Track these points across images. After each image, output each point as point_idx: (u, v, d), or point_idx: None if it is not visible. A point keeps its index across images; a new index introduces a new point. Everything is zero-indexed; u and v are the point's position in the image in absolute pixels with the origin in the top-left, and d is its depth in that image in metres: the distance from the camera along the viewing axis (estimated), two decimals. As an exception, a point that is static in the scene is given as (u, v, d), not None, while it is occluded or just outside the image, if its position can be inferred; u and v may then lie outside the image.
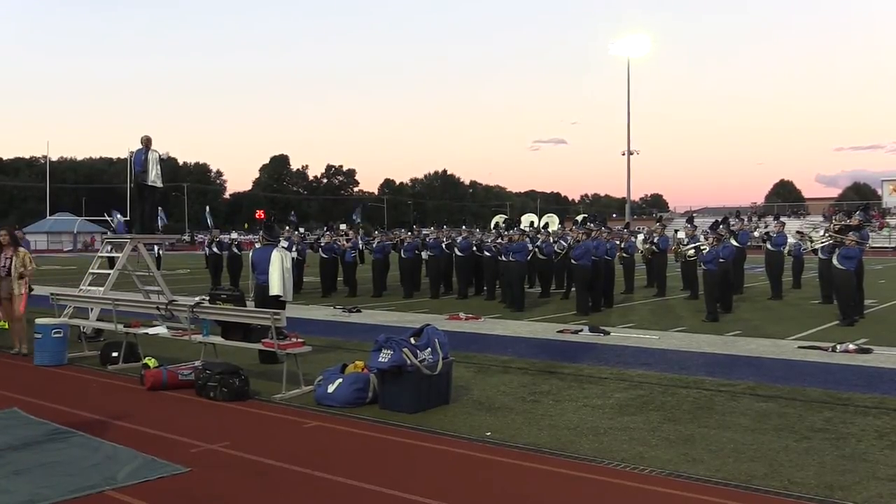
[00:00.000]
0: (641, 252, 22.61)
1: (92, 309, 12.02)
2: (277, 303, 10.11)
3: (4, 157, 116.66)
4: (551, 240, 20.78)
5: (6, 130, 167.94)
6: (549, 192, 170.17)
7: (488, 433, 6.82)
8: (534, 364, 10.32)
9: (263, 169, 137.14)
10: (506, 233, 19.11)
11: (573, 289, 18.37)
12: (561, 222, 27.96)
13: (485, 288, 20.42)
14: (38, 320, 10.68)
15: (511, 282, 17.58)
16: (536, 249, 19.99)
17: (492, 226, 25.34)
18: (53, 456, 6.06)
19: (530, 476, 5.67)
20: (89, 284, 13.03)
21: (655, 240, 21.72)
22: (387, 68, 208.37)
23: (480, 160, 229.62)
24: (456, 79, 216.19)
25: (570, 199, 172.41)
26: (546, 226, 24.49)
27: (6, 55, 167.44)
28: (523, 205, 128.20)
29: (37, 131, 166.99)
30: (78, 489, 5.24)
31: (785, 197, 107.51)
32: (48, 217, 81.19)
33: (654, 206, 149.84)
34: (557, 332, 13.33)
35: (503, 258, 17.92)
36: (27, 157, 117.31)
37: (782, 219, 28.40)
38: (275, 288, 10.30)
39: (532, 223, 23.77)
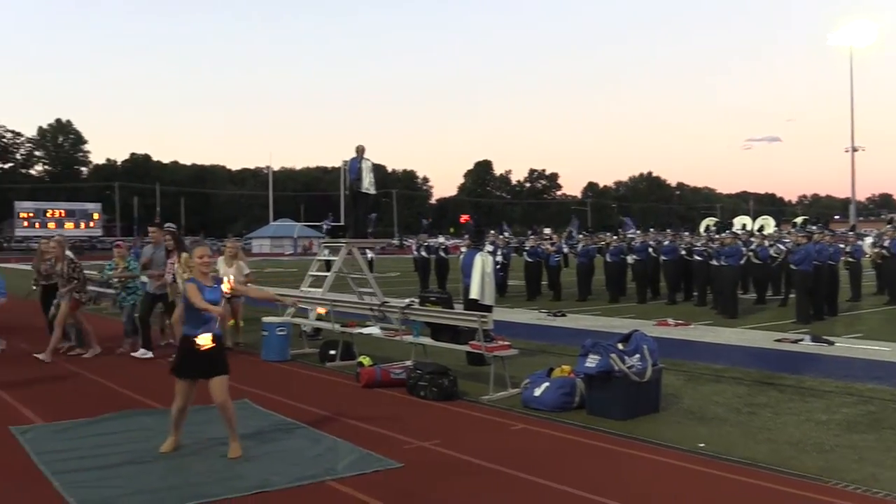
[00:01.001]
0: (870, 256, 21.00)
1: (311, 309, 12.75)
2: (483, 306, 10.25)
3: (233, 169, 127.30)
4: (767, 243, 19.72)
5: (235, 144, 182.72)
6: (762, 192, 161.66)
7: (701, 444, 6.55)
8: (749, 374, 9.81)
9: (468, 174, 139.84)
10: (716, 236, 18.36)
11: (791, 295, 17.32)
12: (777, 224, 26.51)
13: (694, 293, 19.70)
14: (265, 319, 11.48)
15: (723, 287, 16.87)
16: (751, 253, 19.03)
17: (701, 229, 24.47)
18: (280, 445, 6.49)
19: (747, 491, 5.38)
20: (309, 286, 13.83)
21: (886, 243, 19.99)
22: (590, 70, 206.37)
23: (688, 161, 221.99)
24: (662, 78, 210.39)
25: (785, 199, 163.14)
26: (761, 228, 23.33)
27: (235, 74, 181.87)
28: (734, 206, 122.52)
29: (261, 144, 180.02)
30: (302, 477, 5.57)
31: None
32: (271, 223, 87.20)
33: (883, 206, 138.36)
34: (775, 340, 12.60)
35: (714, 262, 17.24)
36: (252, 167, 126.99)
37: None
38: (474, 291, 10.45)
39: (745, 226, 22.71)
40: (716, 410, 7.86)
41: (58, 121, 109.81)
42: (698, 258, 18.83)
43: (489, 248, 19.19)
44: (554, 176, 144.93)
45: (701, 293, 19.16)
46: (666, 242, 20.46)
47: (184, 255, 10.85)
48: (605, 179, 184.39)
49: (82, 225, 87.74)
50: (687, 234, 22.76)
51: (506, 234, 26.50)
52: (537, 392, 7.94)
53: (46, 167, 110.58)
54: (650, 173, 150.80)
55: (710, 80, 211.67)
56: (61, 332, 11.19)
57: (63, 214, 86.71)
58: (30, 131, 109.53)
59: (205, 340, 5.98)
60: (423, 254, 25.26)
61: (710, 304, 18.33)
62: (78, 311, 11.29)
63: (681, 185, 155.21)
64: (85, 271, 11.67)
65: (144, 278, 11.66)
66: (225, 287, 6.19)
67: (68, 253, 11.31)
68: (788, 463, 6.00)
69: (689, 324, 14.83)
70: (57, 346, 11.16)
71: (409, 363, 9.32)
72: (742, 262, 17.87)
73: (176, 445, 6.29)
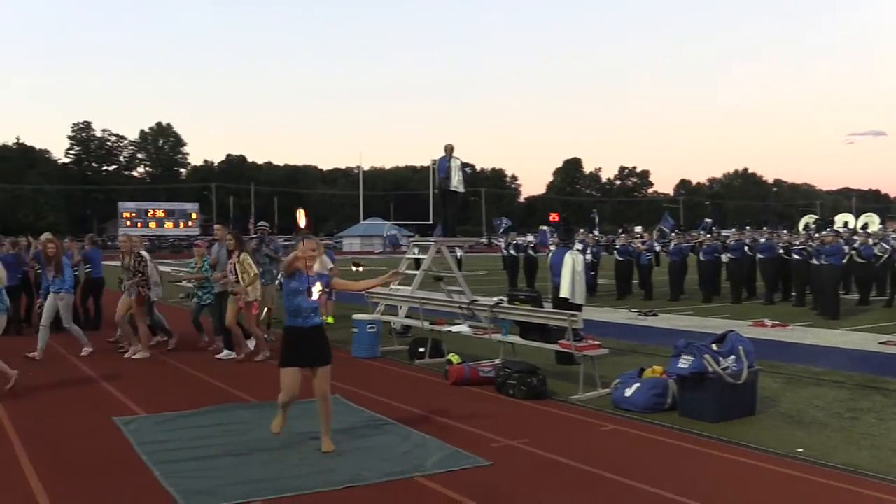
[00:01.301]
0: None
1: (401, 306, 12.89)
2: (573, 305, 10.16)
3: (325, 168, 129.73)
4: (871, 241, 18.93)
5: (326, 144, 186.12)
6: (865, 189, 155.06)
7: (799, 449, 6.34)
8: (851, 377, 9.44)
9: (557, 172, 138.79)
10: (817, 234, 17.73)
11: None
12: (882, 222, 25.45)
13: (793, 293, 19.07)
14: (355, 316, 11.65)
15: (823, 287, 16.30)
16: (853, 252, 18.32)
17: (800, 227, 23.71)
18: (370, 441, 6.58)
19: (848, 499, 5.20)
20: (398, 284, 13.97)
21: None
22: (684, 64, 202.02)
23: (786, 156, 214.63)
24: (759, 70, 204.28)
25: (891, 196, 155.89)
26: (865, 226, 22.42)
27: (325, 76, 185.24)
28: (835, 203, 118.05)
29: (351, 144, 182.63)
30: (391, 473, 5.64)
31: None
32: (361, 222, 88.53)
33: None
34: (880, 343, 12.08)
35: (814, 261, 16.67)
36: (343, 167, 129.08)
37: None
38: (564, 290, 10.37)
39: (846, 223, 21.86)
40: (815, 415, 7.59)
41: (158, 124, 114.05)
42: (797, 257, 18.24)
43: (579, 246, 19.01)
44: (645, 173, 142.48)
45: (800, 293, 18.58)
46: (762, 240, 19.87)
47: (243, 254, 10.83)
48: (699, 176, 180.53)
49: (181, 224, 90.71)
50: (785, 231, 22.09)
51: (593, 219, 26.23)
52: (628, 392, 7.82)
53: (148, 169, 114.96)
54: (746, 169, 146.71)
55: (810, 72, 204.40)
56: (145, 327, 11.48)
57: (163, 214, 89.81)
58: (132, 134, 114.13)
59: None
60: (512, 252, 25.22)
61: (809, 304, 17.76)
62: (142, 306, 11.35)
63: (778, 182, 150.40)
64: (157, 269, 11.94)
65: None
66: (315, 294, 6.29)
67: (143, 253, 11.56)
68: (893, 471, 5.75)
69: (788, 325, 14.37)
70: (148, 341, 11.53)
71: (497, 361, 9.33)
72: (844, 261, 17.26)
73: (283, 425, 6.48)
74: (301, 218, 6.91)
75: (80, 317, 13.75)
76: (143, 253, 11.62)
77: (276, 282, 13.11)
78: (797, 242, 19.04)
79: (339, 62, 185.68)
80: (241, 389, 8.83)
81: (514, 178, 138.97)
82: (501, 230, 28.11)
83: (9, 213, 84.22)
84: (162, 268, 13.62)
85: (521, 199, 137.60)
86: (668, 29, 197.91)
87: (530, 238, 27.10)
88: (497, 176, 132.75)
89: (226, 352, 11.19)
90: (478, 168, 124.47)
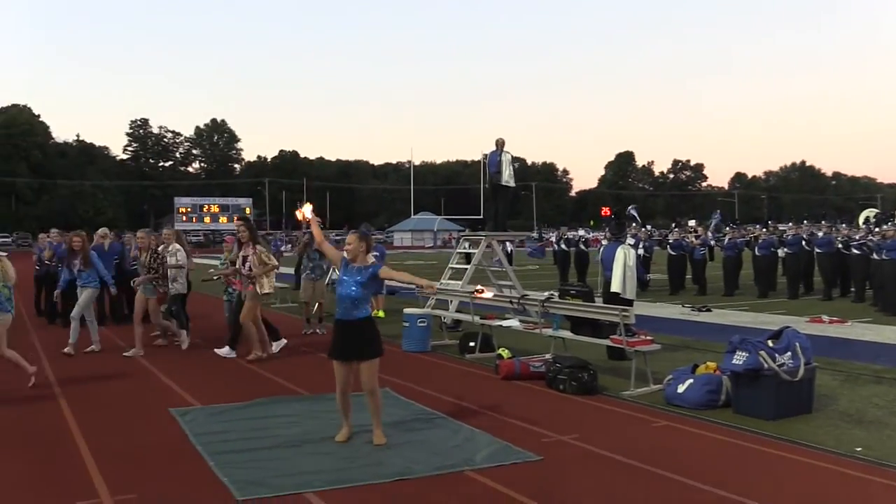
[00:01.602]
0: None
1: (451, 301, 12.90)
2: (624, 300, 10.06)
3: (376, 163, 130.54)
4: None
5: (378, 139, 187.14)
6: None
7: (858, 448, 6.19)
8: (913, 375, 9.19)
9: (608, 166, 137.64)
10: (877, 228, 17.28)
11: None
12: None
13: (852, 289, 18.63)
14: (406, 310, 11.70)
15: (884, 282, 15.91)
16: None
17: (860, 221, 23.12)
18: (420, 435, 6.60)
19: (912, 500, 5.05)
20: (449, 278, 14.00)
21: None
22: (738, 56, 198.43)
23: (845, 148, 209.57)
24: (815, 60, 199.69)
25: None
26: (928, 220, 21.75)
27: (376, 71, 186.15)
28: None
29: (402, 139, 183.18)
30: (441, 467, 5.65)
31: None
32: (412, 217, 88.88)
33: None
34: (943, 340, 11.74)
35: (875, 256, 16.25)
36: (394, 162, 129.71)
37: None
38: (615, 285, 10.27)
39: (909, 217, 21.24)
40: (875, 413, 7.41)
41: (213, 121, 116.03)
42: (857, 252, 17.80)
43: (630, 240, 18.81)
44: (699, 166, 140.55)
45: (859, 289, 18.13)
46: (821, 235, 19.43)
47: (258, 247, 10.41)
48: (755, 170, 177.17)
49: (235, 219, 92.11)
50: (844, 226, 21.57)
51: (631, 212, 25.93)
52: (681, 389, 7.72)
53: (203, 165, 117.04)
54: (803, 162, 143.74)
55: (870, 61, 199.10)
56: (181, 320, 11.59)
57: (218, 209, 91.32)
58: (188, 131, 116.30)
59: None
60: (563, 247, 25.07)
61: (869, 300, 17.33)
62: (161, 304, 11.35)
63: (837, 175, 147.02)
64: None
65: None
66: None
67: (176, 246, 11.38)
68: (957, 472, 5.58)
69: (846, 321, 14.03)
70: (172, 334, 11.62)
71: (548, 356, 9.28)
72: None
73: (349, 435, 6.44)
74: (303, 210, 7.06)
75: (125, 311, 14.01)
76: (176, 246, 11.46)
77: (328, 278, 13.21)
78: (857, 237, 18.58)
79: (390, 58, 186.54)
80: (293, 382, 8.94)
81: (565, 171, 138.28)
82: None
83: (69, 208, 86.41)
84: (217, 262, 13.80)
85: (573, 193, 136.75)
86: (725, 20, 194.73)
87: (581, 232, 26.92)
88: (548, 170, 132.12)
89: (227, 349, 10.84)
90: (529, 162, 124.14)
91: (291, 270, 17.76)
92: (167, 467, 5.68)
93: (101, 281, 11.07)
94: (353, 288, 6.25)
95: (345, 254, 6.48)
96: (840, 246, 18.75)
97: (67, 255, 11.30)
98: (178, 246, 11.57)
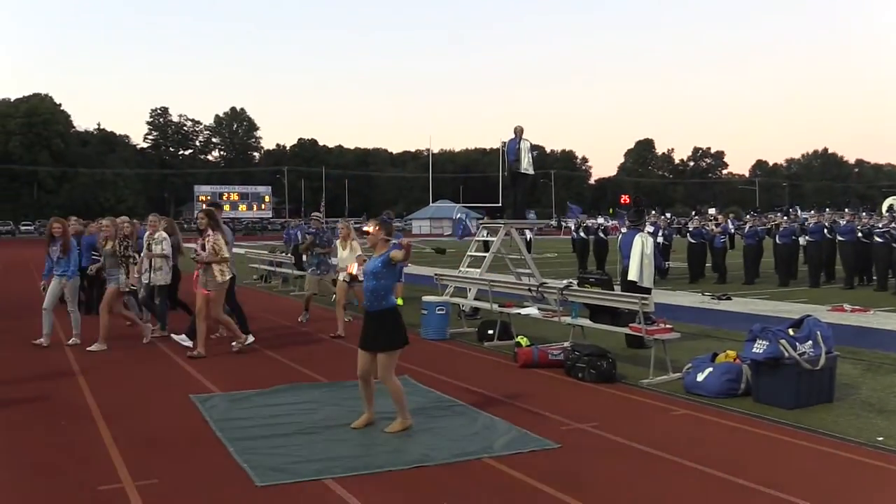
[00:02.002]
0: None
1: (470, 289, 12.90)
2: (640, 288, 10.02)
3: (394, 152, 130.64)
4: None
5: (396, 128, 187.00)
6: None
7: (880, 438, 6.14)
8: (937, 364, 9.10)
9: (628, 153, 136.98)
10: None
11: None
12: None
13: (874, 277, 18.45)
14: (425, 298, 11.71)
15: (907, 271, 15.70)
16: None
17: (883, 209, 22.89)
18: (438, 422, 6.61)
19: (934, 490, 5.00)
20: (467, 266, 14.00)
21: None
22: (758, 40, 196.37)
23: (868, 136, 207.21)
24: (838, 45, 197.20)
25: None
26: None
27: (394, 60, 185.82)
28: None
29: (421, 127, 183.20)
30: (460, 454, 5.66)
31: None
32: (430, 204, 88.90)
33: None
34: (967, 329, 11.61)
35: (897, 244, 16.06)
36: (413, 150, 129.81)
37: None
38: (632, 273, 10.23)
39: (933, 205, 21.00)
40: (897, 402, 7.35)
41: (232, 109, 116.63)
42: (879, 240, 17.61)
43: (650, 228, 18.71)
44: (720, 154, 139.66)
45: (881, 277, 17.96)
46: (843, 223, 19.24)
47: (215, 234, 9.68)
48: (776, 157, 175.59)
49: (254, 207, 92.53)
50: (865, 214, 21.36)
51: (644, 201, 25.75)
52: (700, 377, 7.69)
53: (222, 153, 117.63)
54: (825, 150, 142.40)
55: (893, 48, 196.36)
56: (155, 312, 11.36)
57: (237, 197, 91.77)
58: (207, 119, 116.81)
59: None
60: (582, 234, 25.01)
61: (891, 289, 17.17)
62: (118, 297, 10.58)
63: (860, 162, 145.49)
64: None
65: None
66: (343, 275, 6.39)
67: (160, 234, 11.07)
68: (981, 461, 5.53)
69: (868, 310, 13.90)
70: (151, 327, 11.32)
71: (566, 344, 9.26)
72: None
73: (367, 422, 6.46)
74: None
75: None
76: (162, 234, 11.12)
77: (332, 272, 13.15)
78: (880, 225, 18.38)
79: (409, 46, 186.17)
80: (313, 369, 8.98)
81: (584, 159, 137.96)
82: (574, 217, 27.70)
83: (90, 197, 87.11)
84: (236, 250, 13.79)
85: (592, 180, 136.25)
86: (743, 6, 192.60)
87: (600, 220, 26.80)
88: (567, 158, 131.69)
89: (183, 335, 10.54)
90: (548, 150, 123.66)
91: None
92: (188, 453, 5.73)
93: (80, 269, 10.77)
94: (372, 280, 6.29)
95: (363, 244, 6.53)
96: (861, 234, 18.58)
97: (47, 241, 10.54)
98: (163, 234, 11.20)
